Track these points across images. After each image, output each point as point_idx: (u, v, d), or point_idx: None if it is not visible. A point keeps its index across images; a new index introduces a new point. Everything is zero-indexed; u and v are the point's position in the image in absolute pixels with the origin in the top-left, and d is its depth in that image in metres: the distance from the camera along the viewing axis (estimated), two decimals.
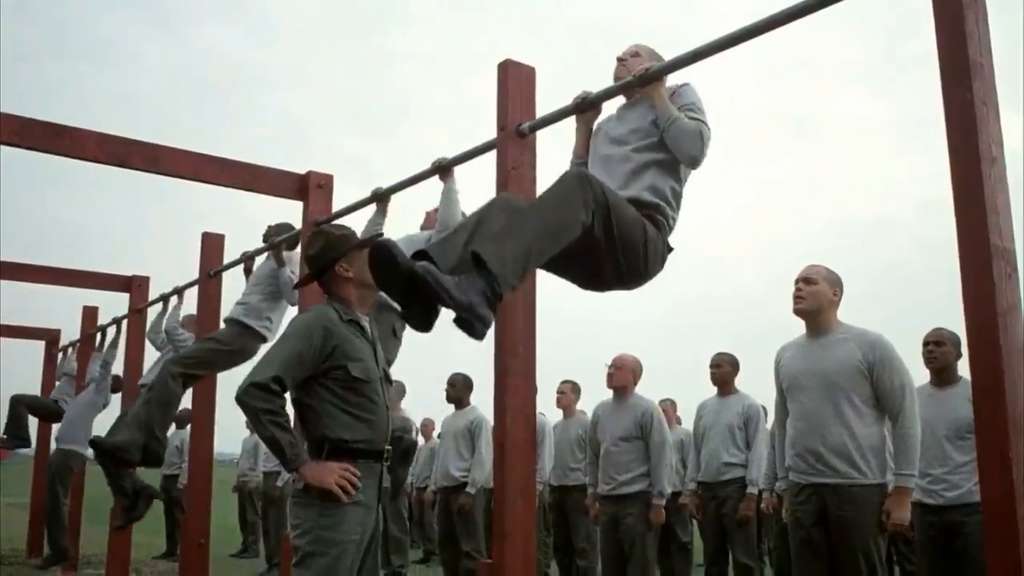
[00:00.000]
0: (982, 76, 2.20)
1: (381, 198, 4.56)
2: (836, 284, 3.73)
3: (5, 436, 7.52)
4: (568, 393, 7.19)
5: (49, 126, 4.52)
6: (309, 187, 5.15)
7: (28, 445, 7.85)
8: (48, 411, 8.99)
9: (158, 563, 8.52)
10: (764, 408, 6.06)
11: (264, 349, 5.20)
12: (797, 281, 3.75)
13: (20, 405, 8.88)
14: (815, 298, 3.67)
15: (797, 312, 3.72)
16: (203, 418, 6.05)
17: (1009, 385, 1.99)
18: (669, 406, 7.87)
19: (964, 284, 2.12)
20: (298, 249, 5.54)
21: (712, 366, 6.09)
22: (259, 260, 5.93)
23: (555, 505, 7.03)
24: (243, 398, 2.84)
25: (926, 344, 4.30)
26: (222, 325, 5.77)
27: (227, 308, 6.15)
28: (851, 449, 3.50)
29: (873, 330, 3.65)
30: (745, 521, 5.74)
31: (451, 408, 7.16)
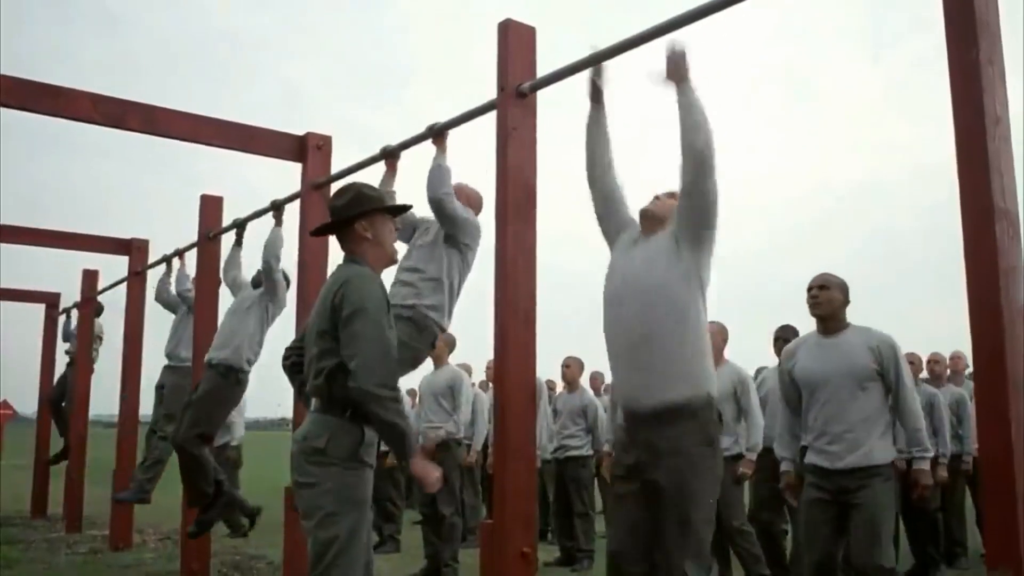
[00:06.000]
0: (989, 36, 2.17)
1: (390, 155, 4.44)
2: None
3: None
4: (573, 367, 7.31)
5: (45, 87, 4.48)
6: (307, 148, 5.11)
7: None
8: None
9: (161, 525, 8.58)
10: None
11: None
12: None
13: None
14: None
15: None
16: None
17: (1010, 346, 2.00)
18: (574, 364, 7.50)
19: (966, 245, 2.11)
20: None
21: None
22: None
23: (556, 475, 7.28)
24: (376, 391, 2.80)
25: (809, 290, 4.03)
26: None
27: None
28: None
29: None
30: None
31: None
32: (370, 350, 2.82)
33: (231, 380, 5.62)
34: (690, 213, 2.97)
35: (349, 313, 2.85)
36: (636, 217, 3.25)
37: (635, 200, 3.29)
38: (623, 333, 3.05)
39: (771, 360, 6.01)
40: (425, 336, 3.95)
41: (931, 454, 3.90)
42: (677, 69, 2.96)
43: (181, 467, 5.52)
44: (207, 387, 5.59)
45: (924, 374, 6.70)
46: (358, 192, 3.10)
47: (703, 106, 2.93)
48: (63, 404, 9.88)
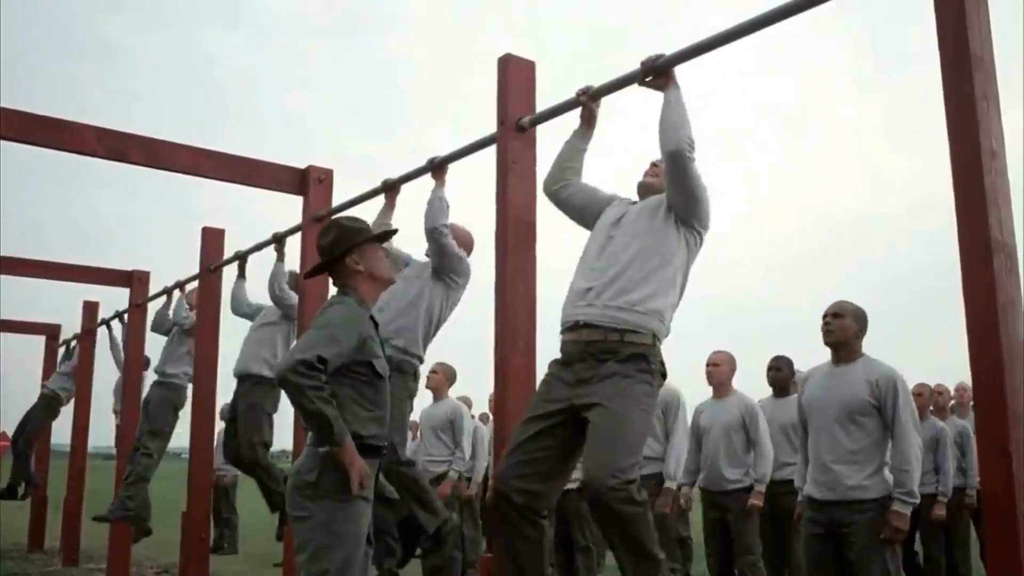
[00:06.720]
0: (983, 69, 2.19)
1: (391, 188, 4.49)
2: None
3: None
4: None
5: (49, 120, 4.49)
6: (309, 181, 5.13)
7: None
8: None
9: (159, 558, 8.51)
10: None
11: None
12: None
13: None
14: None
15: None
16: (203, 420, 6.12)
17: (1009, 379, 1.99)
18: None
19: (964, 278, 2.12)
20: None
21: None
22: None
23: (556, 508, 7.13)
24: (288, 376, 2.72)
25: (824, 317, 3.99)
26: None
27: (227, 301, 6.23)
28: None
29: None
30: (664, 517, 5.34)
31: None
32: (295, 346, 2.85)
33: (267, 387, 5.58)
34: (677, 206, 3.11)
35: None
36: (618, 193, 3.41)
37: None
38: (606, 255, 3.13)
39: (767, 392, 5.95)
40: (407, 378, 4.14)
41: (916, 501, 3.66)
42: (659, 77, 3.06)
43: (256, 481, 5.64)
44: (247, 402, 5.62)
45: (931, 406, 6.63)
46: (342, 227, 3.13)
47: (684, 107, 3.02)
48: (20, 436, 9.41)
